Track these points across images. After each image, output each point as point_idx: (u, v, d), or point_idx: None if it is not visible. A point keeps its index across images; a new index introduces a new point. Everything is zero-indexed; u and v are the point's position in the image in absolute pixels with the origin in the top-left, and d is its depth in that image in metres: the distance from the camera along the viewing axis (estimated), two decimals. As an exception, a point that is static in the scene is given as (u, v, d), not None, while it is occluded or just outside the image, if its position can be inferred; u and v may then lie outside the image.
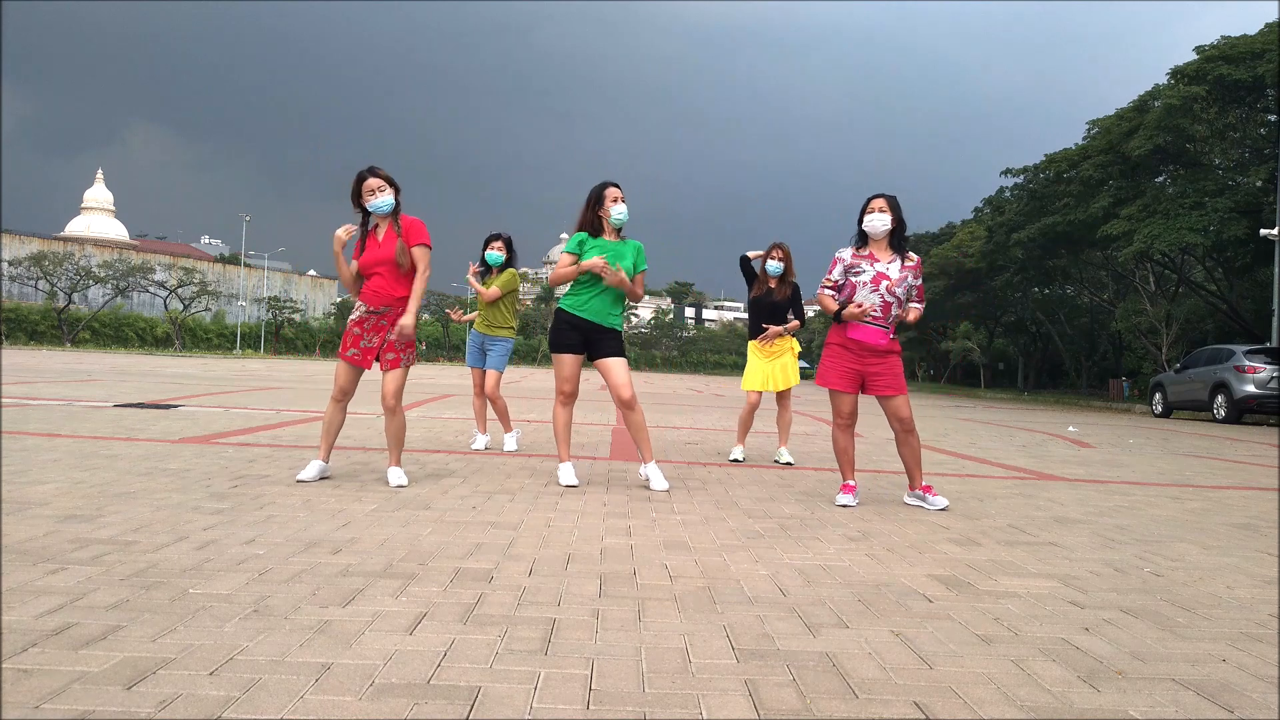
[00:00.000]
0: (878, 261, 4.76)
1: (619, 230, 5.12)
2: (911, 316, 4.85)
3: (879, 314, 4.72)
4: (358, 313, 4.87)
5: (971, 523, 4.44)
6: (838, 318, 4.80)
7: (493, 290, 6.79)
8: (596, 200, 5.07)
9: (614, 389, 5.06)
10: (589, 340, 5.09)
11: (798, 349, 6.95)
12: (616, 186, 5.10)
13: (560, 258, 5.12)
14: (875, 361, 4.74)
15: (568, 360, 5.08)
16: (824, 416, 14.28)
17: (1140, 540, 4.17)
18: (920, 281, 4.87)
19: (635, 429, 5.15)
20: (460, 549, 3.37)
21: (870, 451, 7.87)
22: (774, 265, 6.74)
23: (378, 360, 4.86)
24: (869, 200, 4.82)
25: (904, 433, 4.81)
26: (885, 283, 4.71)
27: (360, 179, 4.76)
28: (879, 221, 4.74)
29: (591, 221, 5.09)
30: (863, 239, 4.84)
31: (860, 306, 4.66)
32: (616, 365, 5.06)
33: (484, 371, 6.94)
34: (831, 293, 4.88)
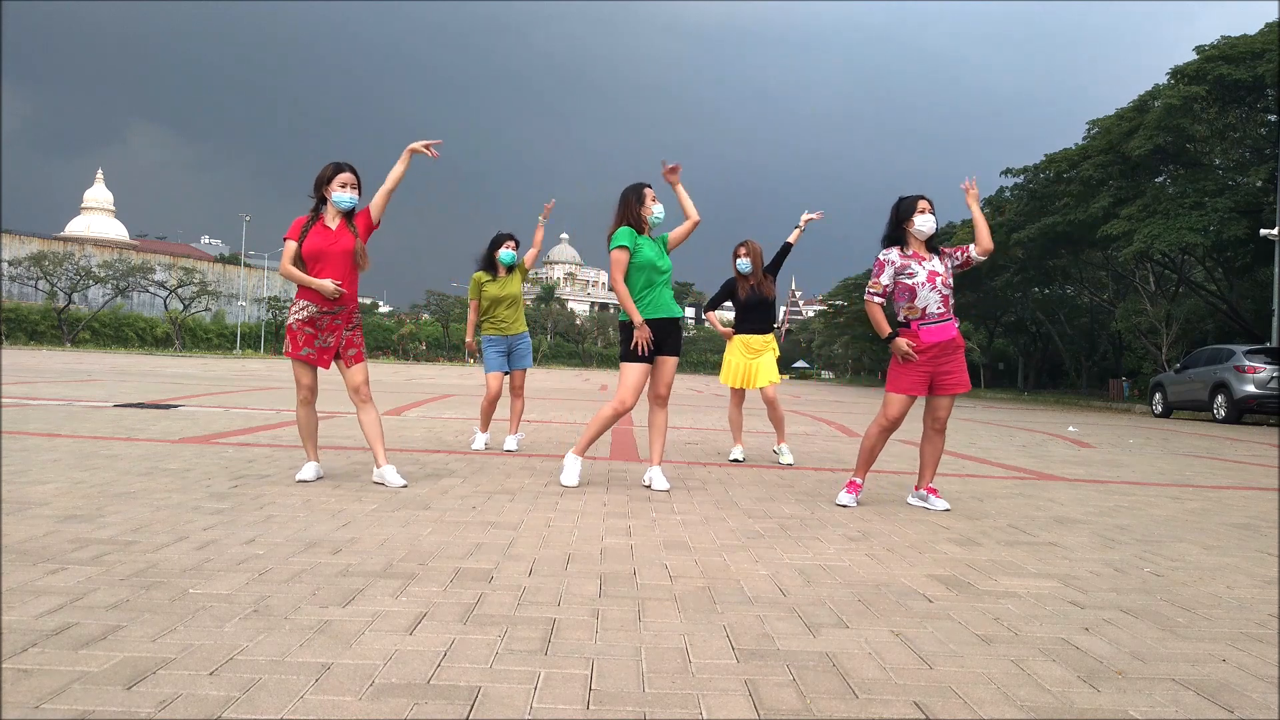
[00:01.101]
0: (924, 260, 4.73)
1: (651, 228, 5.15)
2: (979, 250, 4.81)
3: (942, 309, 4.69)
4: (306, 312, 4.72)
5: (971, 523, 4.44)
6: (890, 336, 4.71)
7: (530, 253, 6.94)
8: (637, 199, 5.05)
9: (658, 384, 5.15)
10: (662, 340, 5.10)
11: (777, 351, 6.94)
12: (650, 187, 5.12)
13: (616, 255, 4.99)
14: (947, 359, 4.70)
15: (640, 371, 5.02)
16: (824, 416, 14.29)
17: (1140, 540, 4.17)
18: (956, 256, 4.84)
19: (657, 429, 5.23)
20: (460, 549, 3.37)
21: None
22: (742, 263, 6.74)
23: (339, 359, 4.81)
24: (914, 201, 4.76)
25: (935, 431, 4.81)
26: (939, 278, 4.70)
27: (337, 169, 4.72)
28: (930, 223, 4.72)
29: (631, 220, 5.05)
30: (900, 239, 4.77)
31: (909, 349, 4.64)
32: (671, 365, 5.18)
33: (504, 376, 6.82)
34: (881, 300, 4.80)
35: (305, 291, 4.74)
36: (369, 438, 4.89)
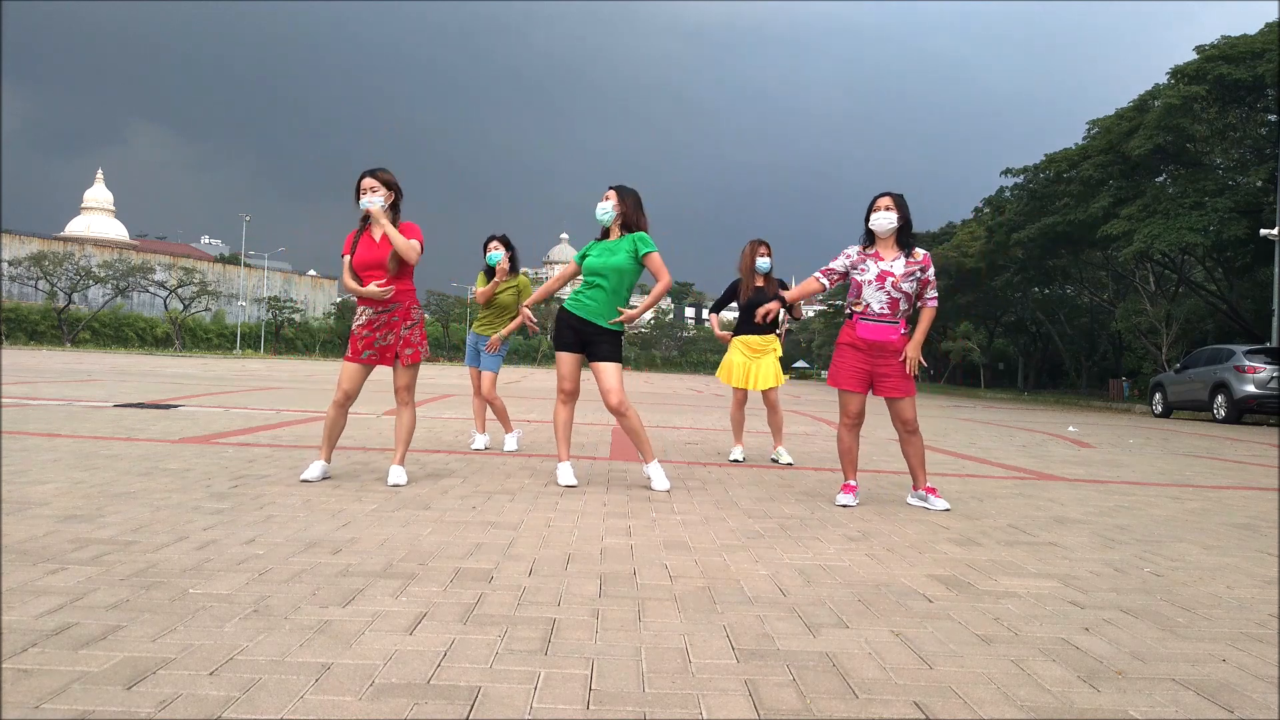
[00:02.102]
0: (882, 260, 4.76)
1: (621, 227, 5.12)
2: (925, 315, 4.84)
3: (886, 310, 4.71)
4: (365, 316, 4.89)
5: (971, 523, 4.44)
6: (781, 300, 5.08)
7: (527, 298, 6.83)
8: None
9: (602, 394, 5.06)
10: (586, 340, 5.09)
11: (780, 351, 6.92)
12: (612, 189, 5.15)
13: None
14: (885, 362, 4.73)
15: (566, 359, 5.12)
16: (824, 416, 14.28)
17: (1140, 540, 4.17)
18: (930, 275, 4.83)
19: (631, 434, 5.15)
20: (460, 549, 3.37)
21: (870, 452, 7.87)
22: (763, 262, 6.70)
23: (397, 357, 4.90)
24: (875, 199, 4.82)
25: (907, 434, 4.82)
26: (890, 279, 4.71)
27: (360, 178, 4.87)
28: (886, 220, 4.74)
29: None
30: (870, 237, 4.84)
31: (771, 308, 4.96)
32: (607, 370, 5.06)
33: (479, 372, 6.94)
34: (823, 280, 4.85)
35: (362, 299, 4.90)
36: (397, 437, 5.04)
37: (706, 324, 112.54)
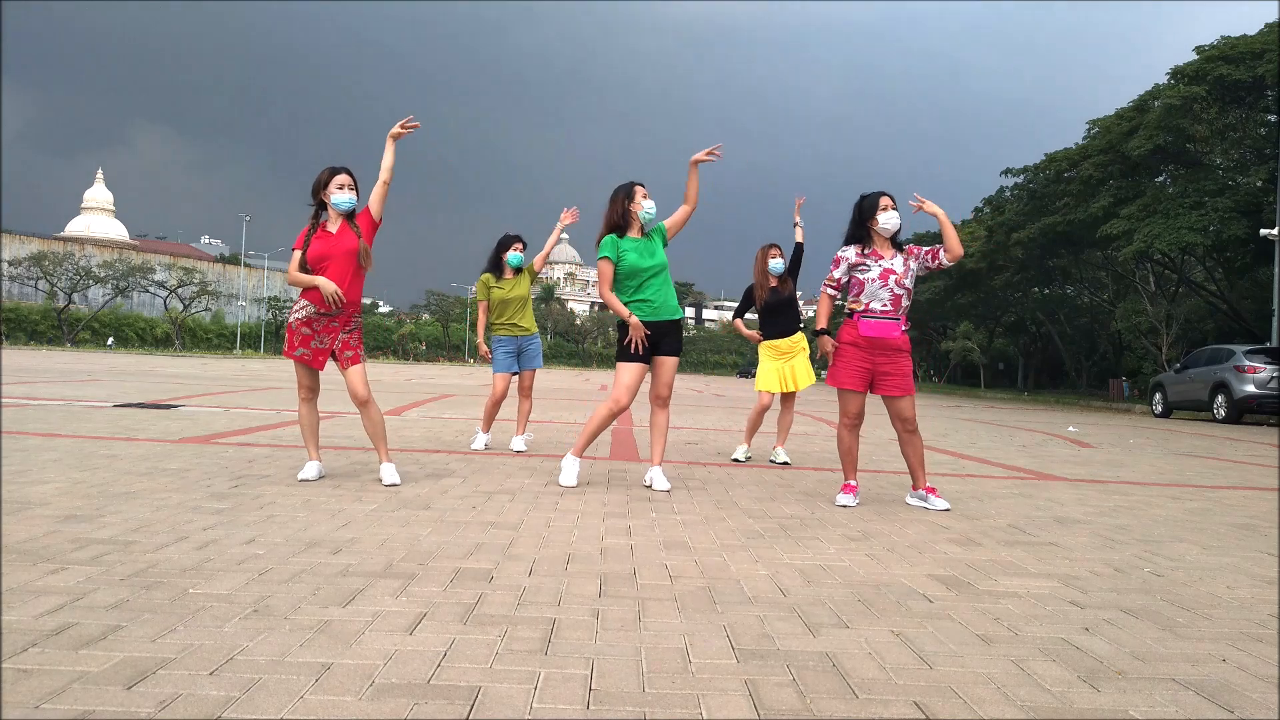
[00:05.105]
0: (882, 258, 4.77)
1: (642, 227, 5.10)
2: (949, 257, 4.81)
3: (889, 308, 4.73)
4: (304, 312, 4.76)
5: (971, 523, 4.44)
6: (820, 331, 4.94)
7: (539, 257, 6.80)
8: (627, 196, 5.06)
9: (658, 385, 5.12)
10: (656, 341, 5.06)
11: (807, 349, 6.93)
12: (642, 185, 5.12)
13: (600, 267, 5.05)
14: (886, 360, 4.74)
15: (637, 371, 5.01)
16: (824, 416, 14.27)
17: (1140, 540, 4.17)
18: (926, 247, 4.87)
19: (658, 429, 5.20)
20: (460, 549, 3.37)
21: (871, 452, 7.87)
22: (775, 263, 6.76)
23: (334, 359, 4.83)
24: (875, 198, 4.80)
25: (907, 433, 4.82)
26: (893, 277, 4.74)
27: (332, 172, 4.76)
28: (893, 219, 4.76)
29: (620, 217, 5.06)
30: (860, 238, 4.84)
31: (830, 349, 4.84)
32: (670, 364, 5.13)
33: (510, 377, 6.74)
34: (834, 292, 4.94)
35: (306, 292, 4.78)
36: (371, 437, 4.93)
37: (706, 324, 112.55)
